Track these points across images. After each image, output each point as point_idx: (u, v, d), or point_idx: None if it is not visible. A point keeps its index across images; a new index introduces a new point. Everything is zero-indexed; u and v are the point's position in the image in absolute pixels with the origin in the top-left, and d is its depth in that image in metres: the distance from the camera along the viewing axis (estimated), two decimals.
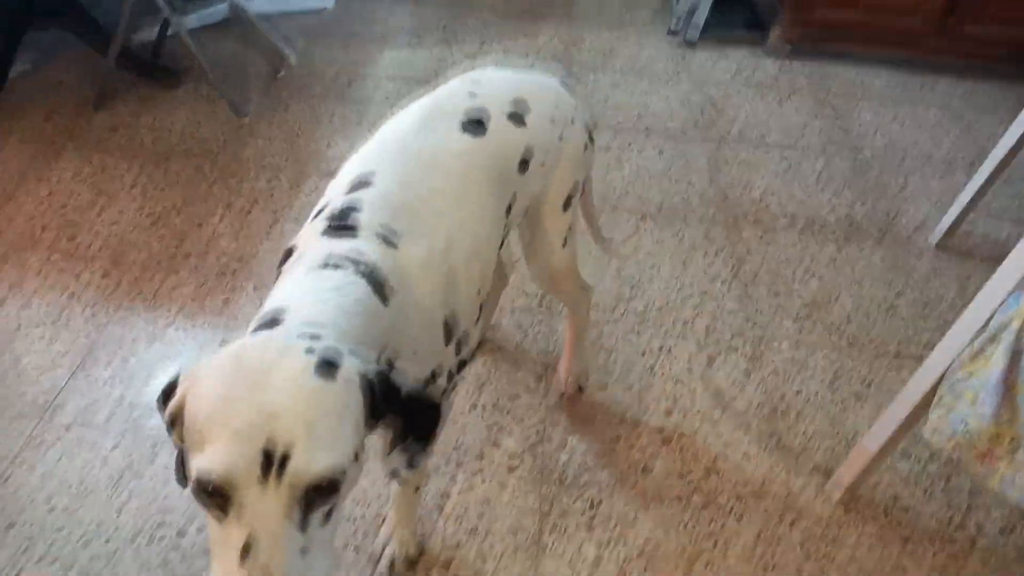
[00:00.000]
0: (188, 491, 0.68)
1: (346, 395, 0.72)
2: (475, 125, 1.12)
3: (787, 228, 2.28)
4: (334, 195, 1.01)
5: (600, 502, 1.55)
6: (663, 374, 1.82)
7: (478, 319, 1.13)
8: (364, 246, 0.93)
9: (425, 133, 1.09)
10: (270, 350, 0.71)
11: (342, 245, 0.92)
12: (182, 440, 0.74)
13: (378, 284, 0.89)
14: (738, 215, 2.31)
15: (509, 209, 1.17)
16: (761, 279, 2.10)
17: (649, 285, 2.06)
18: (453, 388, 1.13)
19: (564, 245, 1.40)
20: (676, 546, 1.49)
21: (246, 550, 0.65)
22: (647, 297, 2.02)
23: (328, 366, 0.71)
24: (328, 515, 0.70)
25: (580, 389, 1.76)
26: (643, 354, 1.87)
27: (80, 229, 2.09)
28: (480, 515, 1.51)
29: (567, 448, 1.65)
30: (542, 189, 1.28)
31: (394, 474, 0.86)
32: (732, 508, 1.57)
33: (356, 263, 0.89)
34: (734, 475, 1.63)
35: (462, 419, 1.69)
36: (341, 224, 0.95)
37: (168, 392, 0.76)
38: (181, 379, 0.74)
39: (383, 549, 1.44)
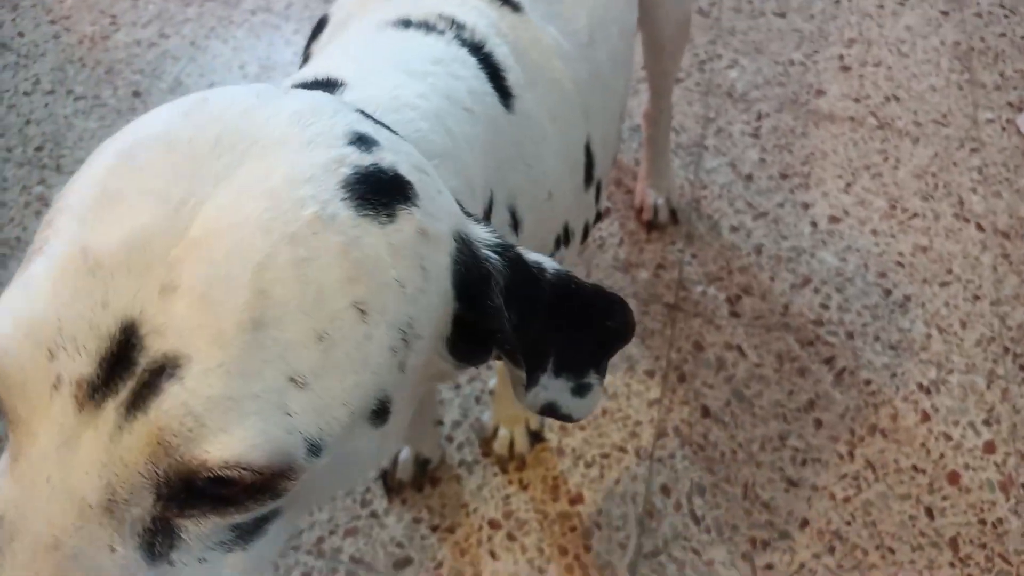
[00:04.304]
0: None
1: (414, 274, 0.37)
2: None
3: None
4: None
5: (768, 115, 1.52)
6: (849, 7, 1.69)
7: (614, 158, 0.80)
8: (468, 3, 0.57)
9: None
10: (255, 111, 0.36)
11: (427, 1, 0.57)
12: None
13: (494, 71, 0.55)
14: None
15: None
16: None
17: None
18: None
19: None
20: (843, 158, 1.46)
21: None
22: None
23: (393, 186, 0.36)
24: (248, 533, 0.35)
25: (674, 216, 1.34)
26: None
27: None
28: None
29: (737, 67, 1.59)
30: None
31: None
32: (909, 132, 1.50)
33: (459, 27, 0.55)
34: (916, 104, 1.54)
35: None
36: None
37: None
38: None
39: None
